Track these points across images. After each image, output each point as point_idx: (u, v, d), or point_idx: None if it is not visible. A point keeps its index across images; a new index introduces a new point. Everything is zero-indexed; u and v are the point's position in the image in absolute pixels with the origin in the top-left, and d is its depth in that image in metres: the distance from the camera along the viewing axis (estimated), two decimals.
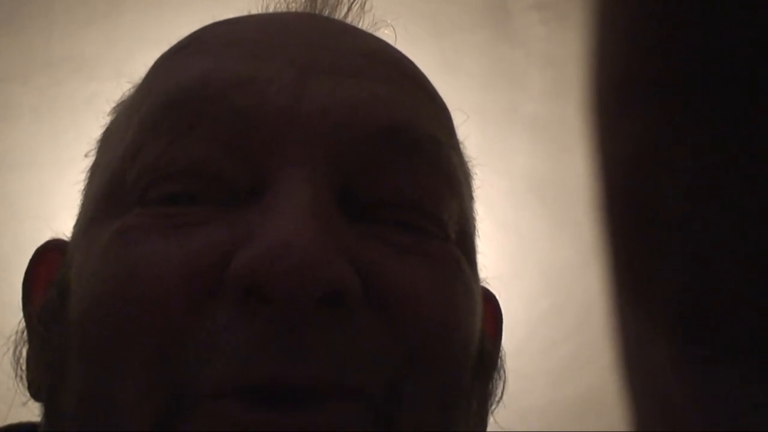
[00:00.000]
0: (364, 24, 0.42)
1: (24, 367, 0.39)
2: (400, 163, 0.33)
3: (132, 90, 0.39)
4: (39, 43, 1.48)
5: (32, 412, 0.39)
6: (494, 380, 0.40)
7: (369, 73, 0.35)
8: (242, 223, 0.30)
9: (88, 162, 0.40)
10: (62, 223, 0.43)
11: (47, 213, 1.46)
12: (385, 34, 0.41)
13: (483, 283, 0.41)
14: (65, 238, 0.40)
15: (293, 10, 0.42)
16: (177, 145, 0.32)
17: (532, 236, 1.56)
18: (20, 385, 0.39)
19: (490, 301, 0.44)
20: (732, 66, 0.13)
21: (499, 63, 1.53)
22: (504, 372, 0.41)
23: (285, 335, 0.28)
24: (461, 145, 0.40)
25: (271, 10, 0.42)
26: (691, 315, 0.14)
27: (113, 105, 0.41)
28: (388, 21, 0.44)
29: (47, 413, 0.35)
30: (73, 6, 1.47)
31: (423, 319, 0.31)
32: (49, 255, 0.41)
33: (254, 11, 0.41)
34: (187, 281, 0.30)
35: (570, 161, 1.47)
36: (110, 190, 0.34)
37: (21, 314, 0.40)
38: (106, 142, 0.39)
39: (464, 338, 0.33)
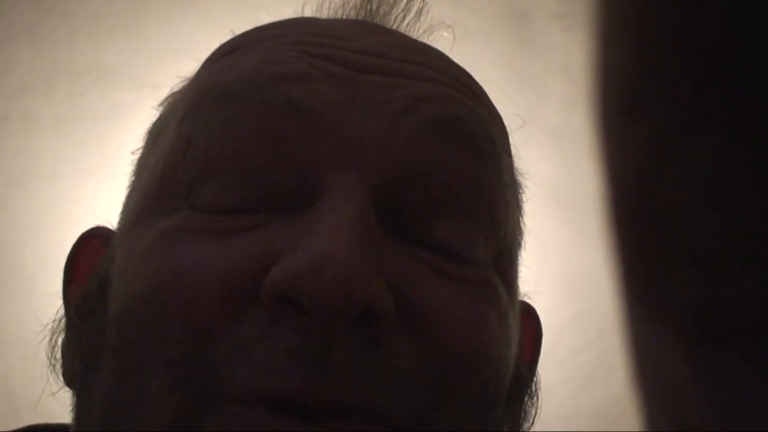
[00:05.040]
0: (420, 29, 0.42)
1: (58, 356, 0.39)
2: (452, 158, 0.33)
3: (182, 84, 0.40)
4: (61, 54, 1.49)
5: (60, 402, 0.39)
6: (526, 405, 0.39)
7: (423, 76, 0.35)
8: (285, 235, 0.31)
9: (135, 156, 0.40)
10: None
11: (69, 223, 1.47)
12: (443, 37, 0.41)
13: (524, 298, 0.40)
14: (110, 227, 0.40)
15: (347, 15, 0.41)
16: (227, 134, 0.32)
17: (552, 245, 1.55)
18: (52, 374, 0.39)
19: (530, 318, 0.43)
20: (741, 72, 0.13)
21: (520, 71, 1.53)
22: (538, 398, 0.40)
23: (316, 350, 0.28)
24: (514, 156, 0.39)
25: (324, 15, 0.41)
26: (704, 320, 0.14)
27: (162, 99, 0.41)
28: (447, 23, 0.43)
29: (77, 403, 0.36)
30: (95, 17, 1.48)
31: (455, 345, 0.31)
32: (92, 243, 0.41)
33: (308, 14, 0.41)
34: (225, 287, 0.30)
35: (591, 169, 1.46)
36: (159, 189, 0.34)
37: (44, 322, 0.40)
38: (154, 137, 0.39)
39: (496, 368, 0.33)
